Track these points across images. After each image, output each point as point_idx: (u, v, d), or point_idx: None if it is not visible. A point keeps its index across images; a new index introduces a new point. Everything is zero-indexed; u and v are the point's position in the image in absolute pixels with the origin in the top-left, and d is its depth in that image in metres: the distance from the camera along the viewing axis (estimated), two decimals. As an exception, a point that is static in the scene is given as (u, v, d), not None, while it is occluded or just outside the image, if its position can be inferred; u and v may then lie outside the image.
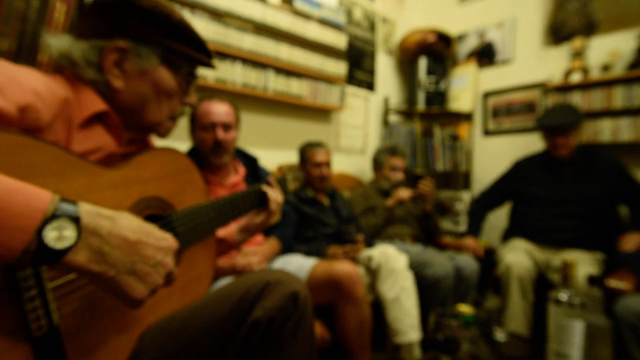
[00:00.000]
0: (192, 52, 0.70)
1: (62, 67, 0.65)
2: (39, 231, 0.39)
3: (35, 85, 0.54)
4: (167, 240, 0.53)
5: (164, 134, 0.75)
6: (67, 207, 0.42)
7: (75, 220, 0.42)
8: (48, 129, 0.55)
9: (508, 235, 2.01)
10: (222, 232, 0.98)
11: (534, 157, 2.05)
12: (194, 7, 1.62)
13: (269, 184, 1.00)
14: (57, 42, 0.65)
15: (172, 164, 0.73)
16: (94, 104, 0.62)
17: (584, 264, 1.60)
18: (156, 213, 0.67)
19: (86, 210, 0.45)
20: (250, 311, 0.62)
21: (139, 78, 0.67)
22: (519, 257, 1.70)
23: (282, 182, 1.06)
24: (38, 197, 0.41)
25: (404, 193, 1.97)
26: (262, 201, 0.96)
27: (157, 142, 0.83)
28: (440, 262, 1.63)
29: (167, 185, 0.71)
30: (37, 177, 0.48)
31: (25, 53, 1.13)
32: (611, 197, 1.80)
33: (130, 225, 0.48)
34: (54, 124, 0.56)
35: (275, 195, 0.98)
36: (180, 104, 0.75)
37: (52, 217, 0.40)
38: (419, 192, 2.01)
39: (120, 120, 0.67)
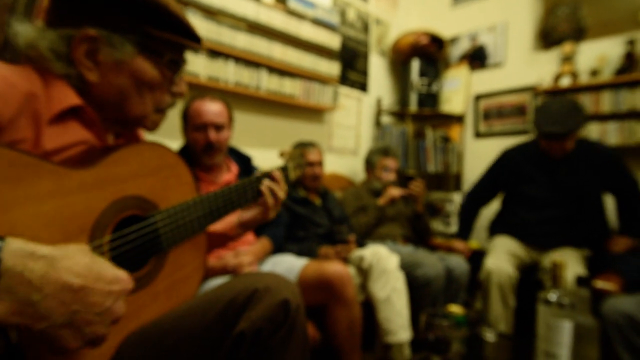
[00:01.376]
0: (173, 37, 0.63)
1: (31, 58, 0.58)
2: None
3: None
4: (121, 282, 0.46)
5: (151, 127, 0.70)
6: None
7: None
8: (10, 127, 0.50)
9: (494, 229, 2.01)
10: (220, 225, 0.94)
11: (524, 147, 1.96)
12: (187, 4, 1.61)
13: (271, 177, 0.93)
14: (24, 30, 0.58)
15: (155, 159, 0.67)
16: (66, 97, 0.57)
17: (572, 264, 1.61)
18: (136, 214, 0.63)
19: (13, 249, 0.37)
20: (237, 322, 0.58)
21: (115, 70, 0.60)
22: (500, 262, 1.69)
23: (283, 171, 1.00)
24: None
25: (395, 191, 1.98)
26: (258, 194, 0.91)
27: (148, 137, 0.81)
28: (431, 263, 1.63)
29: (148, 182, 0.65)
30: None
31: (12, 46, 1.11)
32: (599, 188, 1.76)
33: (74, 267, 0.41)
34: (17, 120, 0.50)
35: (274, 190, 0.91)
36: (167, 95, 0.69)
37: None
38: (409, 191, 2.02)
39: (99, 115, 0.62)
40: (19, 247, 0.38)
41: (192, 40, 0.67)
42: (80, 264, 0.42)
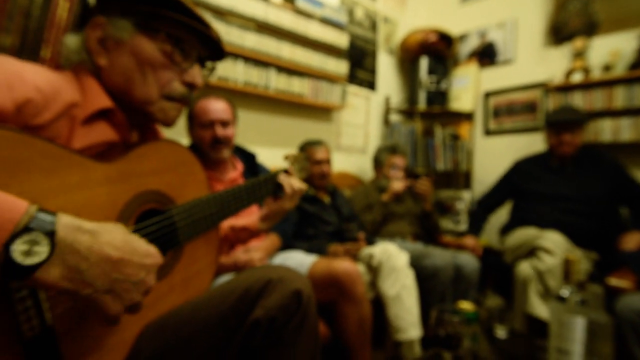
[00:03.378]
0: (167, 12, 0.64)
1: (72, 64, 0.65)
2: (7, 245, 0.37)
3: (38, 82, 0.53)
4: (152, 257, 0.51)
5: (162, 116, 0.69)
6: (43, 220, 0.40)
7: (50, 234, 0.40)
8: (49, 126, 0.54)
9: (508, 228, 2.01)
10: (244, 220, 1.01)
11: (534, 158, 2.07)
12: (197, 4, 1.63)
13: (287, 172, 1.04)
14: (68, 40, 0.65)
15: (173, 157, 0.71)
16: (99, 100, 0.61)
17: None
18: (155, 207, 0.66)
19: (64, 223, 0.42)
20: (251, 310, 0.61)
21: (118, 50, 0.64)
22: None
23: (287, 174, 1.06)
24: (11, 207, 0.39)
25: (397, 185, 1.97)
26: (276, 189, 0.99)
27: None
28: (439, 254, 1.66)
29: (167, 178, 0.68)
30: (23, 173, 0.46)
31: (28, 49, 1.13)
32: (610, 197, 1.81)
33: (113, 240, 0.46)
34: (56, 122, 0.55)
35: (290, 182, 1.00)
36: (176, 81, 0.68)
37: (25, 230, 0.38)
38: (413, 183, 2.01)
39: (126, 117, 0.66)
40: (69, 221, 0.43)
41: (189, 16, 0.67)
42: (118, 238, 0.47)
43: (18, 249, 0.38)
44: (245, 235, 1.03)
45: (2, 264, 0.37)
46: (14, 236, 0.38)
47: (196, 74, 0.71)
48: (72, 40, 0.65)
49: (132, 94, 0.65)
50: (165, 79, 0.67)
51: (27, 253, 0.38)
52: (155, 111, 0.68)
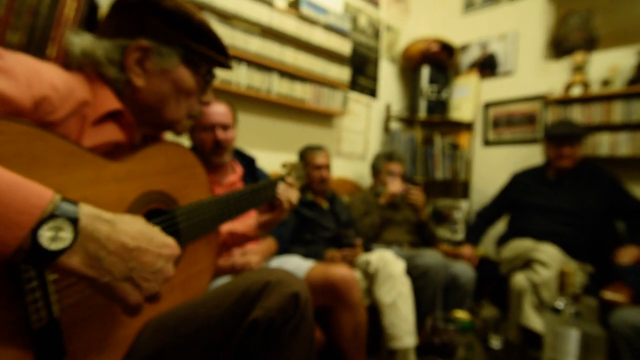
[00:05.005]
0: (212, 53, 0.71)
1: (82, 65, 0.65)
2: (35, 230, 0.39)
3: (54, 81, 0.54)
4: (170, 247, 0.52)
5: (180, 131, 0.76)
6: (66, 208, 0.42)
7: (74, 222, 0.42)
8: (62, 123, 0.56)
9: (504, 239, 2.02)
10: (241, 226, 1.02)
11: (532, 170, 2.09)
12: (202, 8, 1.65)
13: (287, 182, 1.04)
14: (79, 40, 0.65)
15: (177, 159, 0.73)
16: (109, 102, 0.63)
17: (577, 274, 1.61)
18: (159, 207, 0.67)
19: (86, 212, 0.44)
20: (250, 310, 0.61)
21: (160, 77, 0.67)
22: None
23: (284, 181, 1.07)
24: (38, 194, 0.40)
25: (394, 187, 1.98)
26: (274, 198, 0.99)
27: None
28: (431, 253, 1.68)
29: (171, 179, 0.71)
30: (39, 167, 0.47)
31: (35, 47, 1.14)
32: (607, 211, 1.83)
33: (130, 230, 0.48)
34: (69, 120, 0.57)
35: (287, 196, 1.01)
36: (197, 103, 0.75)
37: (50, 216, 0.40)
38: (409, 188, 2.02)
39: (136, 118, 0.68)
40: (89, 210, 0.45)
41: (224, 56, 0.75)
42: (135, 228, 0.49)
43: (45, 234, 0.39)
44: (243, 241, 1.04)
45: (27, 250, 0.39)
46: (41, 222, 0.39)
47: (211, 93, 0.78)
48: (82, 41, 0.65)
49: (162, 115, 0.70)
50: (193, 104, 0.74)
51: (53, 239, 0.40)
52: (178, 128, 0.74)
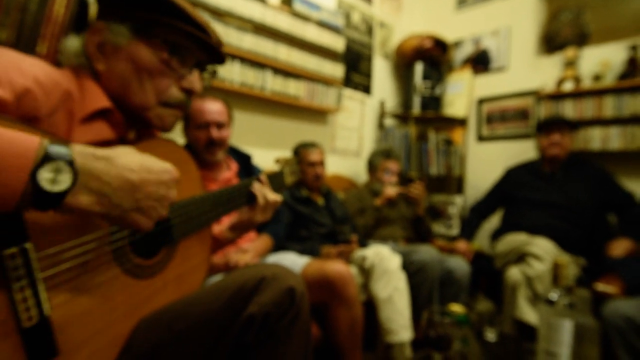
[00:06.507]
0: (166, 19, 0.64)
1: (71, 65, 0.65)
2: (34, 174, 0.39)
3: (37, 74, 0.53)
4: (168, 172, 0.54)
5: (159, 123, 0.70)
6: (58, 149, 0.41)
7: (69, 163, 0.42)
8: (47, 119, 0.54)
9: (498, 234, 2.04)
10: (215, 229, 0.95)
11: (526, 165, 2.11)
12: (195, 5, 1.63)
13: (259, 180, 0.96)
14: (69, 42, 0.66)
15: (169, 155, 0.71)
16: (98, 100, 0.62)
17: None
18: None
19: (79, 152, 0.44)
20: (246, 306, 0.61)
21: (116, 56, 0.64)
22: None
23: (278, 176, 1.04)
24: (25, 140, 0.40)
25: (391, 191, 1.99)
26: (251, 198, 0.93)
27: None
28: (426, 249, 1.69)
29: None
30: None
31: (24, 44, 1.13)
32: (599, 204, 1.85)
33: (129, 164, 0.48)
34: (54, 115, 0.56)
35: (263, 192, 0.93)
36: (174, 87, 0.69)
37: (45, 158, 0.40)
38: (407, 190, 2.03)
39: (124, 118, 0.66)
40: (82, 149, 0.45)
41: (184, 21, 0.66)
42: (134, 161, 0.50)
43: (44, 177, 0.39)
44: (215, 246, 0.95)
45: (31, 194, 0.39)
46: (38, 166, 0.39)
47: (194, 80, 0.71)
48: (72, 43, 0.66)
49: (129, 100, 0.66)
50: (162, 86, 0.67)
51: (53, 181, 0.40)
52: (151, 117, 0.68)
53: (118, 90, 0.65)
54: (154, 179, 0.51)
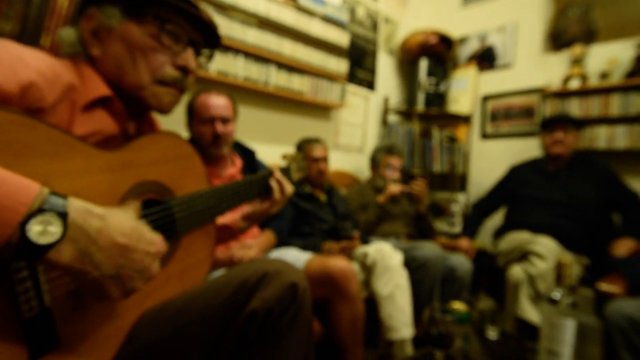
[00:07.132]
0: None
1: (70, 55, 0.65)
2: (24, 224, 0.38)
3: (40, 66, 0.53)
4: (156, 245, 0.52)
5: (154, 102, 0.68)
6: (55, 202, 0.41)
7: (63, 216, 0.41)
8: (51, 110, 0.54)
9: (501, 232, 2.03)
10: (226, 218, 0.97)
11: (530, 163, 2.10)
12: (198, -2, 1.62)
13: (273, 175, 0.98)
14: (63, 33, 0.66)
15: (173, 149, 0.71)
16: (98, 88, 0.62)
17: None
18: (154, 198, 0.66)
19: (75, 206, 0.43)
20: (248, 301, 0.61)
21: (109, 39, 0.64)
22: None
23: (285, 172, 1.04)
24: (25, 189, 0.40)
25: (394, 188, 1.99)
26: (266, 190, 0.95)
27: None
28: (429, 246, 1.68)
29: (167, 170, 0.69)
30: (28, 156, 0.46)
31: (28, 36, 1.13)
32: (603, 203, 1.84)
33: (121, 227, 0.47)
34: (58, 106, 0.56)
35: (282, 184, 0.96)
36: (168, 65, 0.68)
37: (38, 210, 0.39)
38: (410, 188, 2.02)
39: (124, 106, 0.66)
40: (79, 204, 0.44)
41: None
42: (126, 225, 0.48)
43: (34, 228, 0.39)
44: (225, 234, 0.98)
45: (17, 243, 0.39)
46: (29, 217, 0.39)
47: (189, 57, 0.70)
48: (67, 33, 0.66)
49: (124, 80, 0.65)
50: (155, 63, 0.66)
51: (42, 233, 0.39)
52: (147, 96, 0.67)
53: (114, 73, 0.65)
54: (141, 248, 0.49)
